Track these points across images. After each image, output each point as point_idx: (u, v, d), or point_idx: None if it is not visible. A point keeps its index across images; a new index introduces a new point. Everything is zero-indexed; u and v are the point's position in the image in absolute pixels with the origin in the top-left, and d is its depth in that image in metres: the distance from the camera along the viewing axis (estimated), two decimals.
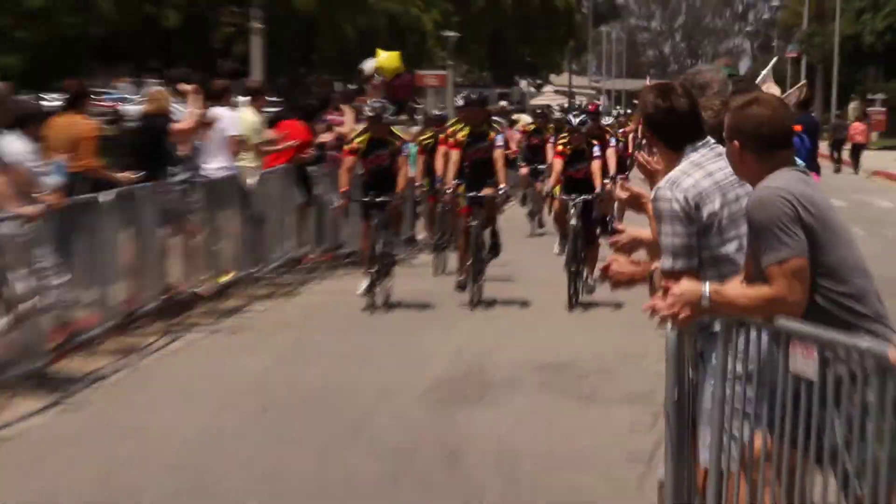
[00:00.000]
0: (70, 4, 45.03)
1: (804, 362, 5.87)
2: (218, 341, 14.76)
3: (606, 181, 17.17)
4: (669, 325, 6.60)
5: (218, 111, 17.52)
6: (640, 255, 7.48)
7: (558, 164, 17.18)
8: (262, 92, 21.40)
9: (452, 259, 19.50)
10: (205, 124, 16.91)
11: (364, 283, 16.23)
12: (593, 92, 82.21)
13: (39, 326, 12.41)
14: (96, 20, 46.05)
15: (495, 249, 17.59)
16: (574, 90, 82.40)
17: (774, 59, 16.98)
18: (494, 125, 18.52)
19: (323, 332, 15.16)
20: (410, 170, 20.44)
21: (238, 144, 18.00)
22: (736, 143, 6.26)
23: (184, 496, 8.98)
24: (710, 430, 6.62)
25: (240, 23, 46.60)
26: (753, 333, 6.28)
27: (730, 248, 6.70)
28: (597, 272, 10.78)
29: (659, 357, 7.37)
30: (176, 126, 15.89)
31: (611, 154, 18.81)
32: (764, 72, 11.80)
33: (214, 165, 17.32)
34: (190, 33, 49.53)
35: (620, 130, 28.51)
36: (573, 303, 16.31)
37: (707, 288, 6.22)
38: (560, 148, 17.31)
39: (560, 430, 10.91)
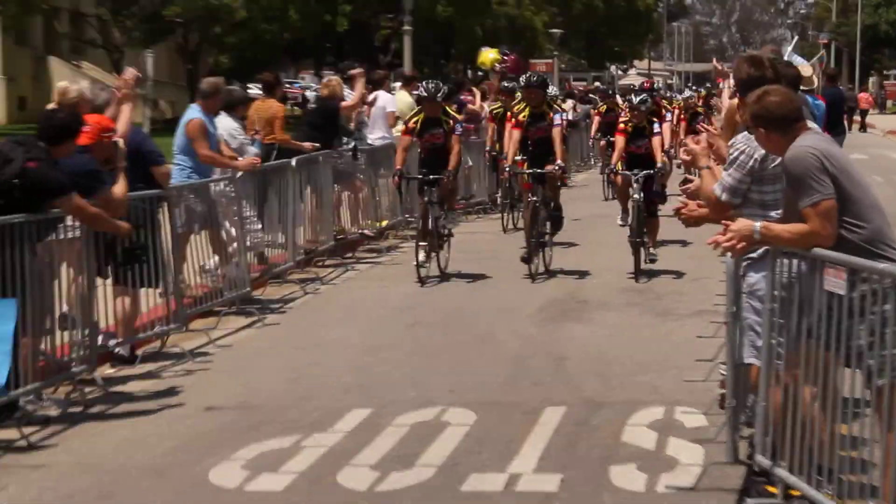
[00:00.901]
0: (267, 15, 45.41)
1: (835, 282, 5.92)
2: (377, 272, 14.87)
3: (663, 154, 14.74)
4: (728, 253, 6.65)
5: (382, 94, 17.68)
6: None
7: (620, 141, 14.34)
8: (413, 78, 21.67)
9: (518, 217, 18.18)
10: (367, 103, 17.06)
11: (420, 255, 13.43)
12: (668, 74, 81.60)
13: (244, 262, 12.47)
14: (286, 27, 46.45)
15: (557, 223, 14.64)
16: (653, 73, 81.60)
17: (795, 41, 17.16)
18: (554, 105, 15.13)
19: (457, 264, 14.85)
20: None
21: (394, 119, 17.96)
22: (761, 130, 6.37)
23: (350, 394, 9.01)
24: (747, 335, 6.86)
25: (394, 26, 46.65)
26: (795, 261, 6.30)
27: (778, 195, 6.66)
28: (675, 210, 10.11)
29: (719, 279, 7.33)
30: (345, 104, 15.96)
31: (666, 129, 15.96)
32: (787, 54, 11.72)
33: (376, 136, 17.57)
34: (357, 35, 49.76)
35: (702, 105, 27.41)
36: (638, 272, 13.57)
37: (758, 225, 6.29)
38: (622, 126, 14.52)
39: (642, 340, 10.82)
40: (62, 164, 8.62)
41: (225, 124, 12.79)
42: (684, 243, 15.09)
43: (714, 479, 6.95)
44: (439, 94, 13.97)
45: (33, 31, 41.34)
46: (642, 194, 13.63)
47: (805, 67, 11.38)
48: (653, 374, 9.53)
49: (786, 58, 9.54)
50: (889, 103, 60.73)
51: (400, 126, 18.24)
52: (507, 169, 14.60)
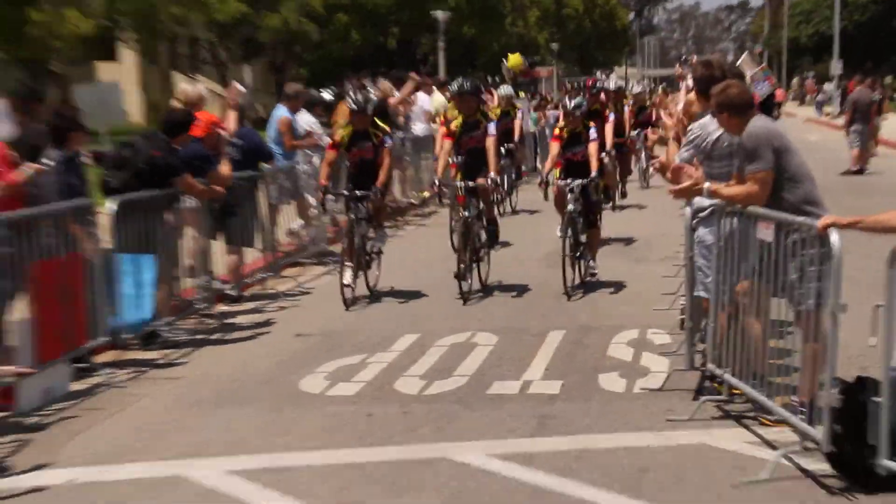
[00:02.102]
0: (336, 37, 45.26)
1: (765, 232, 5.92)
2: (422, 232, 14.78)
3: (604, 156, 11.28)
4: (686, 208, 6.80)
5: (420, 95, 17.44)
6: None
7: (555, 147, 10.25)
8: (446, 83, 21.34)
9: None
10: (408, 102, 16.76)
11: (346, 274, 9.76)
12: (640, 76, 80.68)
13: (322, 225, 12.50)
14: (350, 46, 46.24)
15: (492, 238, 10.72)
16: (629, 76, 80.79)
17: (746, 53, 16.06)
18: (487, 113, 10.84)
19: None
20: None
21: (430, 116, 17.50)
22: (724, 114, 6.30)
23: (403, 323, 9.04)
24: (699, 275, 6.85)
25: (431, 43, 46.37)
26: (735, 219, 6.30)
27: (724, 170, 6.58)
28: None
29: (679, 234, 7.34)
30: (391, 100, 15.80)
31: (608, 129, 12.58)
32: (740, 61, 11.25)
33: (418, 128, 17.16)
34: (403, 51, 49.47)
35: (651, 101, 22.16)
36: (569, 289, 9.81)
37: (707, 185, 6.29)
38: (557, 131, 10.37)
39: (621, 279, 10.76)
40: (181, 152, 8.72)
41: (305, 119, 12.75)
42: (629, 241, 13.24)
43: (676, 382, 7.00)
44: (369, 107, 10.01)
45: (161, 53, 41.42)
46: (579, 204, 10.03)
47: (749, 70, 11.20)
48: (630, 305, 9.54)
49: (739, 65, 9.31)
50: (808, 98, 59.68)
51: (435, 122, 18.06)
52: (436, 182, 10.73)
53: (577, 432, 6.15)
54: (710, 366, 6.57)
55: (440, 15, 39.56)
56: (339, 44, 46.10)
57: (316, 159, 12.52)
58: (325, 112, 15.60)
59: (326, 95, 17.87)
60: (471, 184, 9.98)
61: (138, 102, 41.64)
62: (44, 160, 7.52)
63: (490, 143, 10.03)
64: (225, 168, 9.28)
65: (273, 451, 5.98)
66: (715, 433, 6.07)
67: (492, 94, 21.96)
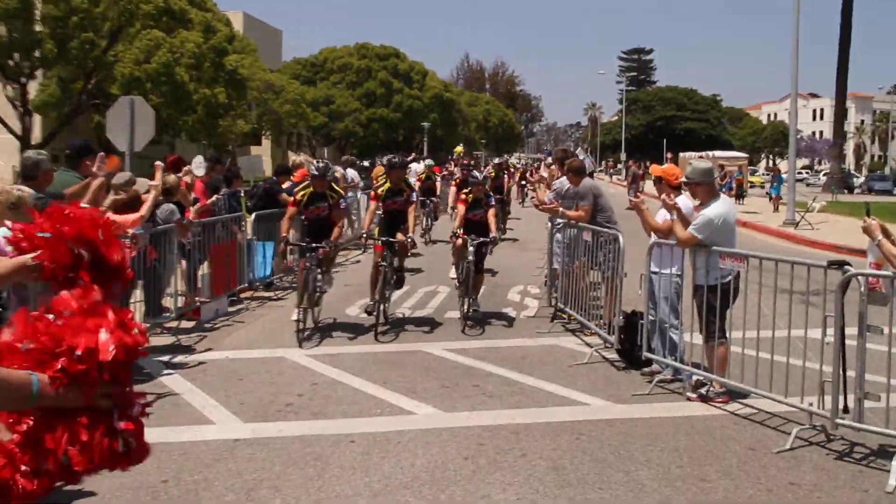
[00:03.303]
0: (371, 134, 44.84)
1: (587, 236, 5.79)
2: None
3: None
4: (549, 223, 6.76)
5: (413, 164, 16.88)
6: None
7: (461, 209, 6.78)
8: (424, 158, 20.85)
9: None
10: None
11: (297, 311, 6.02)
12: (526, 157, 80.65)
13: (357, 231, 12.04)
14: (378, 139, 45.78)
15: (399, 282, 6.81)
16: (520, 158, 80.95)
17: (580, 147, 15.87)
18: (410, 184, 7.22)
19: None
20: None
21: (418, 176, 16.31)
22: (571, 174, 6.28)
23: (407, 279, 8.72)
24: (554, 255, 6.69)
25: (420, 138, 46.06)
26: (574, 229, 6.17)
27: (569, 204, 6.41)
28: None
29: (544, 236, 7.16)
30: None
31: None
32: (580, 152, 11.05)
33: (412, 181, 16.28)
34: (406, 142, 49.03)
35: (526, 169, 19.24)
36: (465, 318, 6.44)
37: (561, 210, 6.18)
38: (463, 196, 6.84)
39: (514, 258, 10.51)
40: (286, 188, 8.61)
41: (352, 173, 12.45)
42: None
43: (542, 312, 6.90)
44: (328, 174, 6.41)
45: (282, 141, 41.13)
46: (473, 256, 6.53)
47: (583, 157, 11.09)
48: (519, 271, 9.34)
49: (577, 153, 9.18)
50: (610, 171, 59.69)
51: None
52: (363, 234, 7.70)
53: (489, 338, 6.03)
54: (560, 304, 6.50)
55: (425, 125, 39.86)
56: (373, 138, 45.73)
57: (358, 194, 12.22)
58: (362, 171, 15.20)
59: (364, 163, 17.45)
60: (390, 239, 6.43)
61: (270, 165, 41.11)
62: (220, 194, 7.51)
63: (410, 208, 6.63)
64: None
65: (330, 345, 5.82)
66: (561, 339, 5.98)
67: (450, 165, 21.35)
